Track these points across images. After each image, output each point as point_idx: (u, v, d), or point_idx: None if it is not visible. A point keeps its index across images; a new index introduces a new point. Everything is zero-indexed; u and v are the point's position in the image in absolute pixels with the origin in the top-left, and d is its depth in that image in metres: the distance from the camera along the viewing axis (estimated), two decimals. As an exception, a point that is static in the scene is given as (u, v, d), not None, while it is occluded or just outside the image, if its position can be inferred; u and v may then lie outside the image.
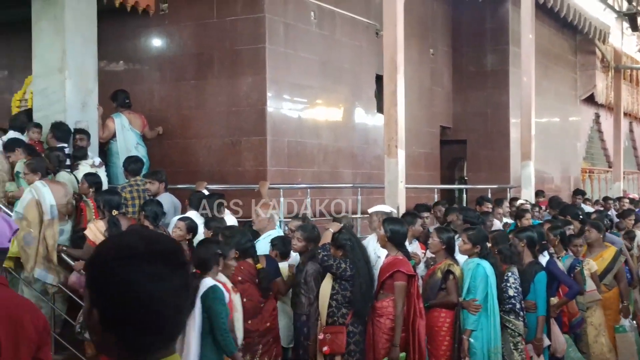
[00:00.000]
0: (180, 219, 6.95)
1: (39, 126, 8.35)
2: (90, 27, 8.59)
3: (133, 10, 9.50)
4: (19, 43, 10.60)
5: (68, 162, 8.04)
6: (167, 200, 7.68)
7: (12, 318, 2.82)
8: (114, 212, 6.70)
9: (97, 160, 8.23)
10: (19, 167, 7.61)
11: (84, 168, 7.94)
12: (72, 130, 8.27)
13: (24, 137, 8.32)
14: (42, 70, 8.53)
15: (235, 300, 5.36)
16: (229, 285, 5.31)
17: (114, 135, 9.12)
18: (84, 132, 8.28)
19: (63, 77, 8.38)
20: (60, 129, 8.17)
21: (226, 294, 5.08)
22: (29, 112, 8.99)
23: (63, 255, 7.04)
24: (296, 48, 9.99)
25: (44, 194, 7.08)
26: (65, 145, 8.16)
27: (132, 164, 8.14)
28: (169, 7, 9.98)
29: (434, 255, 6.52)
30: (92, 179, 7.53)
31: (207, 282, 5.02)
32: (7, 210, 7.25)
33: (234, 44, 9.62)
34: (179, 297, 1.55)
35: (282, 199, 8.79)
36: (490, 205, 10.01)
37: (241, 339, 5.44)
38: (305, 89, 10.19)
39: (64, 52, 8.34)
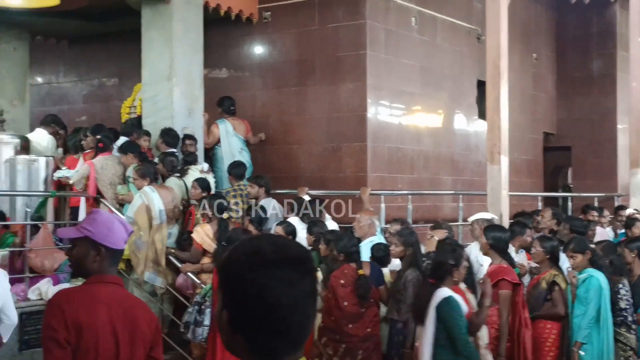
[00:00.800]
0: (278, 224, 7.03)
1: (148, 134, 8.63)
2: (197, 36, 8.82)
3: (237, 18, 9.70)
4: (128, 52, 10.99)
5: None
6: (269, 205, 7.77)
7: (128, 317, 2.92)
8: (225, 216, 6.85)
9: (206, 165, 8.42)
10: (130, 171, 7.88)
11: (193, 173, 8.15)
12: (180, 137, 8.51)
13: None
14: (151, 78, 8.81)
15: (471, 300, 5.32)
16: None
17: (218, 141, 9.31)
18: (194, 138, 8.49)
19: (171, 85, 8.63)
20: (169, 135, 8.41)
21: (463, 305, 5.03)
22: (137, 119, 9.30)
23: (171, 257, 7.23)
24: (397, 54, 9.94)
25: (153, 199, 7.31)
26: (175, 150, 8.40)
27: (236, 169, 8.29)
28: (271, 16, 10.13)
29: (537, 265, 6.33)
30: (203, 183, 7.71)
31: (443, 292, 4.98)
32: (118, 212, 7.52)
33: (335, 51, 9.67)
34: (306, 303, 1.57)
35: (382, 205, 8.74)
36: (596, 214, 9.66)
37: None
38: (405, 94, 10.13)
39: (171, 60, 8.60)
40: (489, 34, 8.74)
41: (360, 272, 5.83)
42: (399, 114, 10.07)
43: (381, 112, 9.75)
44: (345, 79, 9.62)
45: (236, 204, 8.00)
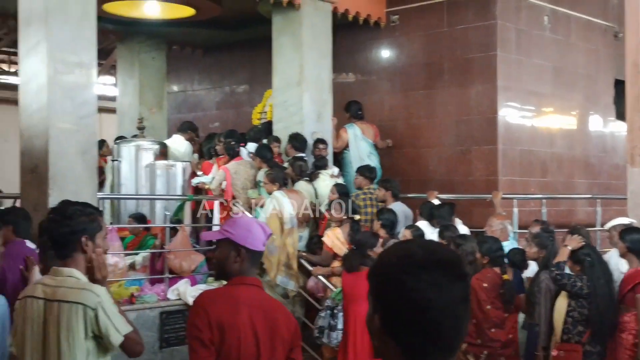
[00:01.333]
0: (407, 228, 6.96)
1: (278, 140, 8.79)
2: (326, 42, 8.90)
3: (365, 23, 9.71)
4: (258, 59, 11.25)
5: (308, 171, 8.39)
6: (398, 209, 7.72)
7: (268, 318, 2.96)
8: (356, 217, 6.86)
9: (336, 170, 8.48)
10: (260, 176, 8.04)
11: (323, 177, 8.21)
12: (307, 141, 8.61)
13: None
14: (281, 84, 8.97)
15: None
16: None
17: (347, 145, 9.34)
18: (326, 142, 8.56)
19: (300, 90, 8.75)
20: (298, 140, 8.53)
21: None
22: (265, 124, 9.49)
23: (302, 261, 7.31)
24: (528, 54, 9.64)
25: (283, 204, 7.43)
26: (304, 155, 8.51)
27: (368, 172, 8.27)
28: (399, 19, 10.07)
29: None
30: (342, 189, 7.76)
31: None
32: (247, 214, 7.70)
33: (464, 53, 9.49)
34: (458, 307, 1.55)
35: (515, 210, 8.49)
36: None
37: None
38: (537, 96, 9.81)
39: (301, 66, 8.72)
40: (628, 30, 8.31)
41: (505, 277, 5.72)
42: (531, 116, 9.76)
43: (512, 114, 9.48)
44: (474, 80, 9.43)
45: (365, 206, 8.00)
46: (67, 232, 3.16)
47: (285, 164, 8.41)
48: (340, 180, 8.32)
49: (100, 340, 3.09)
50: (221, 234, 3.06)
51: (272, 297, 6.66)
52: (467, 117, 9.51)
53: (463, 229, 7.48)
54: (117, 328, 3.10)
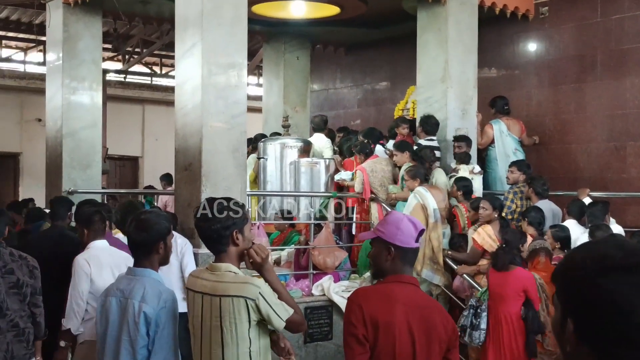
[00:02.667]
0: (550, 227, 6.75)
1: (406, 121, 8.76)
2: (471, 37, 8.75)
3: (512, 16, 9.47)
4: (401, 56, 11.24)
5: (438, 155, 8.30)
6: (546, 207, 7.48)
7: (424, 317, 2.95)
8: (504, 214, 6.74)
9: (477, 168, 8.31)
10: (403, 171, 8.03)
11: (463, 173, 8.09)
12: (439, 124, 8.51)
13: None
14: (425, 81, 8.90)
15: None
16: None
17: (492, 142, 9.15)
18: (463, 139, 8.42)
19: (445, 87, 8.65)
20: (428, 123, 8.47)
21: None
22: (411, 122, 9.45)
23: (447, 259, 7.24)
24: (691, 44, 9.06)
25: (427, 198, 7.39)
26: (434, 137, 8.41)
27: (525, 167, 8.04)
28: (548, 10, 9.75)
29: None
30: (462, 183, 7.66)
31: None
32: (390, 210, 7.72)
33: (620, 44, 9.07)
34: None
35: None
36: None
37: None
38: (700, 87, 9.19)
39: (446, 62, 8.62)
40: None
41: None
42: (694, 109, 9.16)
43: (673, 107, 8.94)
44: (630, 73, 8.99)
45: (513, 203, 7.80)
46: (219, 228, 3.27)
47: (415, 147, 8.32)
48: (478, 178, 8.16)
49: (264, 322, 3.21)
50: (374, 232, 3.09)
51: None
52: (621, 111, 9.07)
53: (617, 229, 7.15)
54: (279, 314, 3.19)
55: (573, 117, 9.59)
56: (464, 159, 8.26)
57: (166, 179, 12.21)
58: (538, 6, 9.76)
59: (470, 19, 8.72)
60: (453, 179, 7.92)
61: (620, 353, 1.45)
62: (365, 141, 8.64)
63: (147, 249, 3.53)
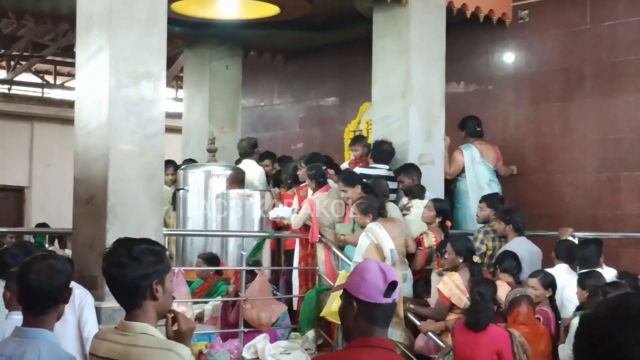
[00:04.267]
0: (531, 275, 6.88)
1: (361, 140, 9.08)
2: (437, 44, 8.92)
3: (486, 20, 9.69)
4: (353, 66, 11.36)
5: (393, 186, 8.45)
6: (523, 247, 7.65)
7: None
8: (475, 259, 6.84)
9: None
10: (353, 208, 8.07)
11: (417, 210, 8.14)
12: (394, 153, 8.67)
13: None
14: (382, 96, 9.02)
15: None
16: None
17: (462, 171, 9.29)
18: (408, 169, 8.54)
19: (406, 103, 8.78)
20: (378, 149, 8.64)
21: None
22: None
23: (409, 314, 7.27)
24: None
25: (381, 237, 7.43)
26: (388, 167, 8.55)
27: (497, 202, 8.19)
28: (529, 14, 10.00)
29: None
30: (440, 205, 7.78)
31: None
32: (341, 255, 7.77)
33: (612, 55, 9.37)
34: None
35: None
36: None
37: None
38: None
39: (407, 73, 8.75)
40: None
41: None
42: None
43: (674, 131, 9.26)
44: (624, 89, 9.29)
45: (484, 245, 7.93)
46: (136, 277, 3.20)
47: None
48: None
49: None
50: (344, 283, 3.08)
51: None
52: (615, 135, 9.36)
53: (609, 273, 7.31)
54: None
55: (558, 141, 9.82)
56: (416, 192, 8.35)
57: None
58: (517, 9, 10.01)
59: (436, 23, 8.89)
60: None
61: None
62: (323, 167, 8.60)
63: (50, 302, 3.46)
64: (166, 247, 6.21)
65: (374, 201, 7.79)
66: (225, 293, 7.85)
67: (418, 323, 7.19)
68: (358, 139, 9.35)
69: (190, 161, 10.01)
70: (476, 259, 7.07)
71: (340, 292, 3.08)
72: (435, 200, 7.97)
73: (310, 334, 7.61)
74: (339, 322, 6.95)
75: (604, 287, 6.23)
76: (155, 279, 3.19)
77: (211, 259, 8.35)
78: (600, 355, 1.58)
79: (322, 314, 7.40)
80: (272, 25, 10.74)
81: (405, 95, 8.79)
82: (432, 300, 7.25)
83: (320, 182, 8.37)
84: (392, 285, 2.97)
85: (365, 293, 2.92)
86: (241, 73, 11.96)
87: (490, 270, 7.49)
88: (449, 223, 7.91)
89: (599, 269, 7.19)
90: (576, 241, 7.94)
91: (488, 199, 8.30)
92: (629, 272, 7.18)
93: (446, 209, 8.01)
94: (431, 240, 7.76)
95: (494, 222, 8.01)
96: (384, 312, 2.97)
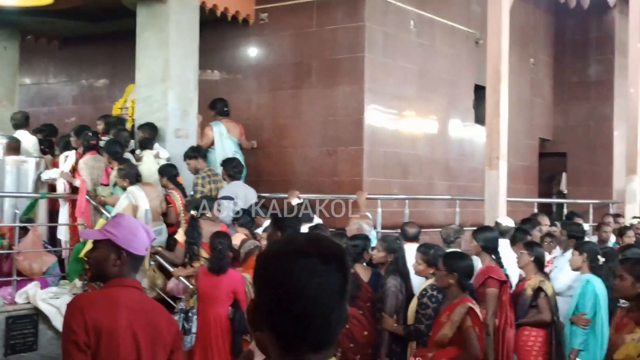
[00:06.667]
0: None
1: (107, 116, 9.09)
2: (192, 38, 8.75)
3: (233, 20, 9.64)
4: (120, 53, 10.91)
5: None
6: (241, 190, 8.01)
7: (148, 320, 2.92)
8: (194, 213, 6.84)
9: (164, 152, 8.36)
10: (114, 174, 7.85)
11: (148, 159, 8.16)
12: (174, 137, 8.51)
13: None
14: (145, 80, 8.73)
15: None
16: None
17: (212, 144, 9.22)
18: (141, 127, 8.48)
19: (165, 87, 8.56)
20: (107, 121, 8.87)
21: None
22: (117, 119, 9.34)
23: (160, 260, 7.18)
24: (394, 57, 9.90)
25: (140, 199, 7.34)
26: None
27: (232, 169, 8.22)
28: (268, 17, 10.07)
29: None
30: (169, 170, 7.82)
31: None
32: (105, 212, 7.53)
33: (333, 53, 9.62)
34: (332, 296, 1.54)
35: (379, 210, 8.68)
36: (580, 220, 9.50)
37: None
38: (402, 99, 10.08)
39: (166, 62, 8.52)
40: (490, 38, 8.73)
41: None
42: (396, 118, 10.01)
43: (378, 116, 9.68)
44: (342, 82, 9.57)
45: (205, 187, 8.00)
46: None
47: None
48: (163, 162, 8.22)
49: None
50: (102, 234, 2.98)
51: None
52: (333, 118, 9.63)
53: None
54: None
55: (290, 121, 9.99)
56: (145, 144, 8.30)
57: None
58: (258, 12, 10.04)
59: (191, 20, 8.71)
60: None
61: (292, 336, 1.54)
62: (89, 134, 8.32)
63: None
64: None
65: (133, 169, 7.61)
66: (0, 246, 7.30)
67: (172, 269, 7.10)
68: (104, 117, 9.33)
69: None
70: (194, 212, 6.98)
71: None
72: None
73: (78, 282, 7.26)
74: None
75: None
76: None
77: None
78: (275, 284, 1.54)
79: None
80: (48, 13, 10.08)
81: (165, 80, 8.56)
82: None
83: (87, 147, 8.09)
84: (152, 241, 3.14)
85: (136, 247, 2.97)
86: (18, 54, 11.16)
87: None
88: (180, 179, 7.98)
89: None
90: (297, 201, 8.11)
91: (225, 163, 8.40)
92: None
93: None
94: (177, 197, 7.73)
95: (207, 168, 8.17)
96: (139, 261, 3.05)
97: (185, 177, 8.19)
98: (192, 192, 8.00)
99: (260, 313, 1.57)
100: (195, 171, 8.17)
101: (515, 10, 10.56)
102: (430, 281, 5.51)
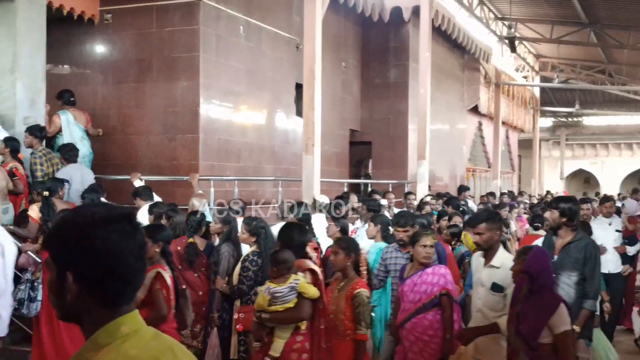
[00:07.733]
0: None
1: None
2: (40, 34, 8.35)
3: (79, 19, 9.31)
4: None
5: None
6: (76, 172, 7.77)
7: None
8: (45, 194, 6.58)
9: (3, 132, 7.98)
10: None
11: None
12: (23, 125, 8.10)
13: None
14: (-6, 70, 8.25)
15: None
16: None
17: (60, 130, 8.92)
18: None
19: (14, 78, 8.13)
20: None
21: None
22: None
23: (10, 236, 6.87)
24: (226, 57, 9.99)
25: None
26: None
27: (68, 152, 8.00)
28: (112, 17, 9.82)
29: None
30: (12, 144, 7.43)
31: None
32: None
33: (171, 52, 9.56)
34: (143, 253, 1.59)
35: (212, 190, 8.80)
36: (378, 197, 10.05)
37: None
38: (233, 93, 10.21)
39: (15, 55, 8.08)
40: (306, 43, 9.06)
41: (191, 240, 5.97)
42: (228, 110, 10.12)
43: (212, 108, 9.76)
44: (180, 77, 9.54)
45: (44, 165, 7.73)
46: None
47: None
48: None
49: None
50: None
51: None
52: (173, 109, 9.59)
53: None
54: None
55: (134, 111, 9.83)
56: None
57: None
58: (103, 13, 9.75)
59: (39, 17, 8.30)
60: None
61: (117, 291, 1.55)
62: None
63: None
64: None
65: None
66: None
67: (19, 245, 6.80)
68: None
69: None
70: (47, 193, 6.73)
71: None
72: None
73: None
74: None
75: (168, 211, 6.35)
76: None
77: None
78: (100, 251, 1.52)
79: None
80: None
81: (14, 71, 8.11)
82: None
83: None
84: None
85: None
86: None
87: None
88: (21, 155, 7.63)
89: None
90: (139, 183, 8.05)
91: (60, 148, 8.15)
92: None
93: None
94: (21, 168, 7.44)
95: (40, 148, 7.80)
96: None
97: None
98: (30, 171, 7.65)
99: (80, 280, 1.52)
100: (29, 146, 7.75)
101: (328, 21, 11.01)
102: (253, 248, 5.71)
